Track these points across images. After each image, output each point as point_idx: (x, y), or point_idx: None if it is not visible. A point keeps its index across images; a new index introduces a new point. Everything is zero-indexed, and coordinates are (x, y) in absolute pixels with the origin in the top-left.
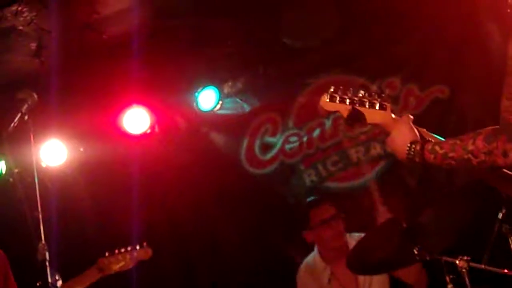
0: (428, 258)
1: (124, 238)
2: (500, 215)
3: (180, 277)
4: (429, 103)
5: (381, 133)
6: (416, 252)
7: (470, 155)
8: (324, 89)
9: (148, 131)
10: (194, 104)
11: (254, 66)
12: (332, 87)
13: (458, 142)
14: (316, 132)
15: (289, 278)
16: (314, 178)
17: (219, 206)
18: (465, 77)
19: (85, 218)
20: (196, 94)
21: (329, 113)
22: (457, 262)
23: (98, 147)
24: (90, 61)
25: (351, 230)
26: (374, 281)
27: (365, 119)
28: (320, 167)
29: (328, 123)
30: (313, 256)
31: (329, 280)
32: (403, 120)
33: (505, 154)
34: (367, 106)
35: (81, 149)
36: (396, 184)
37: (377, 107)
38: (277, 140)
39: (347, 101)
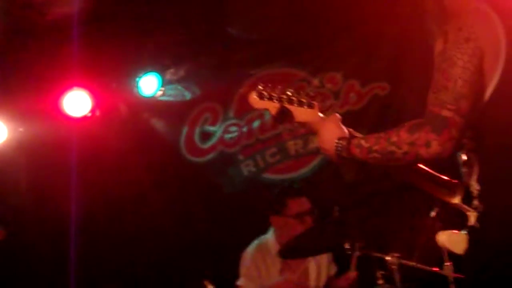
0: (359, 253)
1: (60, 221)
2: (433, 214)
3: (117, 260)
4: (369, 99)
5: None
6: (347, 247)
7: (393, 147)
8: (265, 81)
9: (89, 114)
10: (136, 89)
11: (198, 55)
12: (261, 84)
13: (382, 135)
14: (256, 123)
15: (227, 264)
16: (252, 168)
17: (157, 191)
18: (405, 74)
19: (23, 198)
20: (138, 79)
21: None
22: (388, 258)
23: (39, 129)
24: (31, 42)
25: None
26: (323, 269)
27: (293, 117)
28: (258, 158)
29: (268, 115)
30: (266, 239)
31: (281, 266)
32: (331, 118)
33: (428, 145)
34: (295, 105)
35: (21, 130)
36: (333, 178)
37: (305, 106)
38: (217, 130)
39: (276, 99)
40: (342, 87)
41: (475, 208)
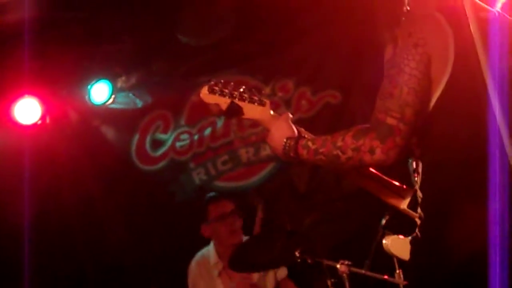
0: (310, 261)
1: (13, 227)
2: (383, 221)
3: (68, 266)
4: (321, 107)
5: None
6: (298, 255)
7: (338, 151)
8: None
9: (39, 122)
10: (87, 96)
11: (149, 62)
12: (214, 80)
13: (329, 138)
14: (207, 131)
15: (177, 273)
16: (203, 176)
17: (108, 200)
18: (357, 83)
19: None
20: (89, 87)
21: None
22: (338, 266)
23: None
24: None
25: (245, 230)
26: (269, 283)
27: (243, 114)
28: (209, 166)
29: (220, 123)
30: (208, 250)
31: (219, 273)
32: (283, 117)
33: (372, 151)
34: (246, 101)
35: None
36: (284, 186)
37: (256, 103)
38: (168, 137)
39: (227, 94)
40: (294, 95)
41: (418, 216)
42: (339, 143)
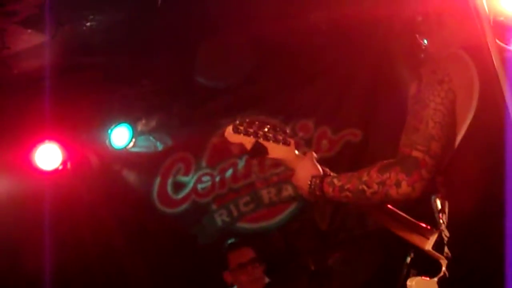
0: None
1: (34, 275)
2: (408, 260)
3: None
4: (341, 146)
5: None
6: None
7: (364, 186)
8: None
9: (60, 167)
10: (107, 141)
11: (168, 105)
12: (239, 119)
13: (355, 174)
14: (229, 172)
15: None
16: (225, 218)
17: (130, 245)
18: (377, 121)
19: None
20: (109, 131)
21: (236, 147)
22: None
23: (10, 182)
24: (1, 96)
25: (269, 272)
26: None
27: (267, 153)
28: (232, 207)
29: (241, 164)
30: None
31: None
32: (307, 156)
33: (397, 184)
34: (271, 141)
35: None
36: (306, 225)
37: (281, 143)
38: (190, 180)
39: (252, 134)
40: (314, 134)
41: (445, 256)
42: (365, 178)
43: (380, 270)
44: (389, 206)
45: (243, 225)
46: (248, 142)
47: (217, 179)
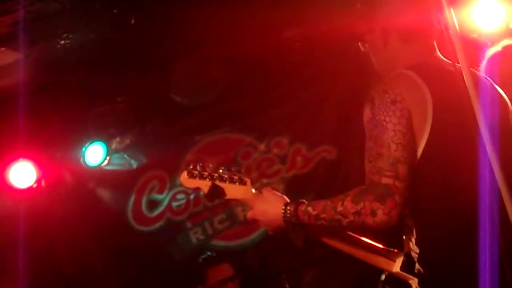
0: None
1: None
2: (382, 277)
3: None
4: (316, 163)
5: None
6: None
7: (340, 216)
8: (212, 147)
9: (35, 185)
10: (82, 159)
11: (143, 123)
12: (191, 164)
13: (329, 203)
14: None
15: None
16: (200, 236)
17: (105, 262)
18: (351, 138)
19: None
20: (84, 149)
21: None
22: None
23: None
24: None
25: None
26: None
27: (225, 194)
28: (207, 225)
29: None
30: None
31: None
32: (265, 190)
33: (373, 214)
34: (227, 182)
35: None
36: (281, 243)
37: (237, 183)
38: (164, 198)
39: (207, 177)
40: (289, 151)
41: (417, 273)
42: (339, 208)
43: (355, 287)
44: (351, 233)
45: (219, 242)
46: (204, 185)
47: (192, 196)
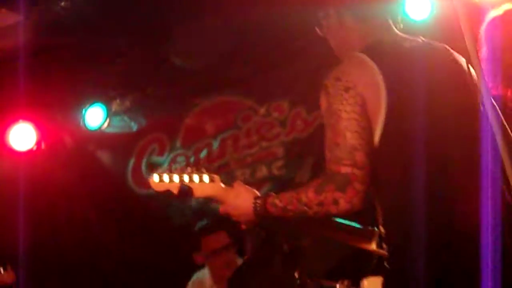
0: (309, 281)
1: (7, 255)
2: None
3: None
4: (316, 126)
5: (268, 155)
6: (297, 276)
7: (305, 207)
8: (211, 110)
9: (35, 147)
10: (81, 121)
11: (143, 85)
12: (159, 170)
13: (294, 195)
14: (203, 153)
15: None
16: (200, 199)
17: (104, 225)
18: None
19: None
20: (84, 111)
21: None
22: (337, 286)
23: None
24: None
25: (242, 253)
26: None
27: (193, 194)
28: None
29: (216, 144)
30: (203, 273)
31: None
32: (237, 185)
33: (336, 203)
34: (196, 181)
35: None
36: None
37: (206, 181)
38: (164, 160)
39: (176, 178)
40: (289, 115)
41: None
42: (304, 200)
43: (353, 248)
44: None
45: (218, 206)
46: (174, 187)
47: (192, 159)
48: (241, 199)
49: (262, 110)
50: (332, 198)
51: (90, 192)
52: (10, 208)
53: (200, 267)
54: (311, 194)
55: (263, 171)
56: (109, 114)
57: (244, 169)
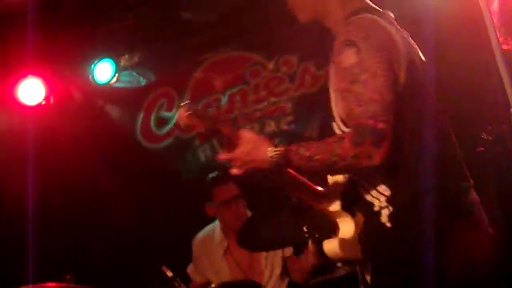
0: (317, 236)
1: (17, 208)
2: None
3: (72, 248)
4: (324, 82)
5: (276, 110)
6: (305, 230)
7: (337, 158)
8: (220, 65)
9: (43, 102)
10: (90, 76)
11: (152, 40)
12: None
13: (323, 145)
14: (212, 108)
15: (183, 250)
16: (209, 153)
17: (113, 179)
18: None
19: None
20: (92, 66)
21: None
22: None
23: None
24: None
25: (251, 205)
26: (276, 264)
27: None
28: (215, 143)
29: (224, 99)
30: (213, 227)
31: (224, 252)
32: (247, 131)
33: (369, 157)
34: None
35: None
36: None
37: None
38: (173, 115)
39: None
40: (298, 70)
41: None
42: (337, 151)
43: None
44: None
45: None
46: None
47: None
48: (254, 145)
49: (271, 65)
50: (367, 152)
51: (98, 146)
52: (19, 161)
53: (210, 220)
54: (347, 145)
55: (271, 126)
56: (118, 69)
57: (252, 124)
